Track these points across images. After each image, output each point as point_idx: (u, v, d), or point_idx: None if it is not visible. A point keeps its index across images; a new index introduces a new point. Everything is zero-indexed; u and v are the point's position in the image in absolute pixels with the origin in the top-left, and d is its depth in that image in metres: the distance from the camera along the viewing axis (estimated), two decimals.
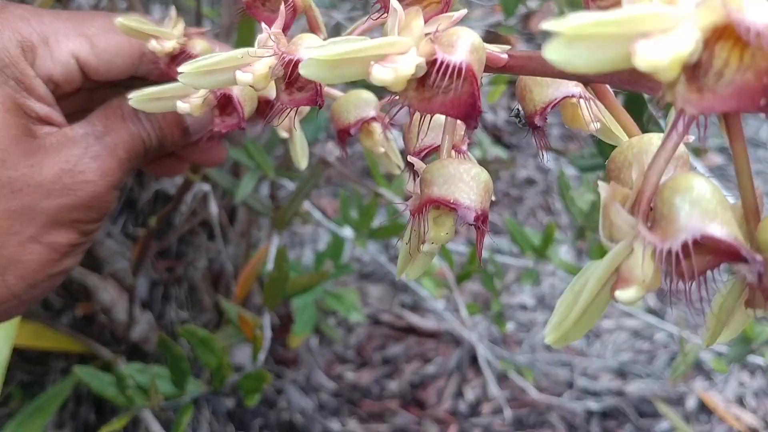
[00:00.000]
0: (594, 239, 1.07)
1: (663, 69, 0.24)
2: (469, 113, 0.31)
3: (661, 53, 0.24)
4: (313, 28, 0.43)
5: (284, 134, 0.54)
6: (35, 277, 0.50)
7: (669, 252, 0.27)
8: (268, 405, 1.21)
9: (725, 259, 0.28)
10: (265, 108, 0.48)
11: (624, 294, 0.27)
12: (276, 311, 1.17)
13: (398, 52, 0.30)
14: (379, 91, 0.53)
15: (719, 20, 0.24)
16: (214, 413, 1.14)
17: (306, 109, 0.53)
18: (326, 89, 0.50)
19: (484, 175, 0.35)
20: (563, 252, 1.36)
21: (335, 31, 0.99)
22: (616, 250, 0.28)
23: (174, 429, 0.86)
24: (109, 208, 0.52)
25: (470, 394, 1.31)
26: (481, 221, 0.34)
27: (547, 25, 0.24)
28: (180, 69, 0.36)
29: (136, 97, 0.46)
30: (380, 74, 0.29)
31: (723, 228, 0.27)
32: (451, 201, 0.34)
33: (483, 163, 1.42)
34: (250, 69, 0.35)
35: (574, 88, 0.36)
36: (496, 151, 1.58)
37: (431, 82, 0.31)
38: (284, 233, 1.28)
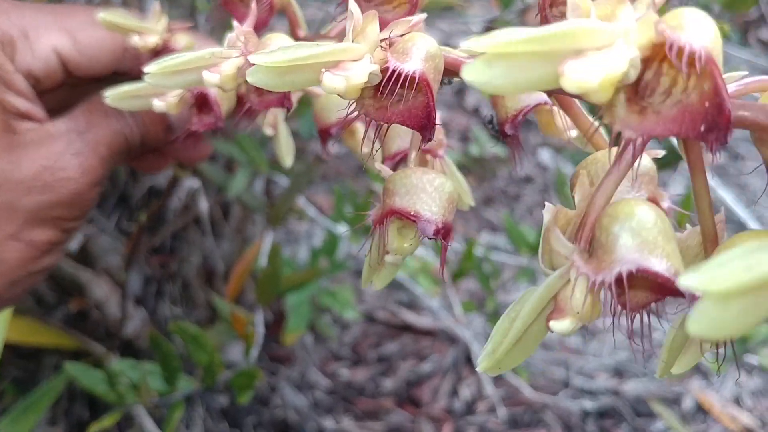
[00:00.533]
0: None
1: (593, 91, 0.22)
2: (424, 124, 0.30)
3: (591, 74, 0.22)
4: (293, 26, 0.43)
5: (269, 131, 0.53)
6: (16, 274, 0.50)
7: (603, 284, 0.25)
8: (261, 402, 1.21)
9: (665, 293, 0.26)
10: (244, 105, 0.47)
11: (558, 325, 0.26)
12: (270, 308, 1.16)
13: (351, 58, 0.29)
14: None
15: (655, 39, 0.23)
16: (207, 411, 1.13)
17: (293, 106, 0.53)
18: (309, 88, 0.49)
19: (448, 185, 0.34)
20: None
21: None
22: (552, 278, 0.27)
23: (165, 425, 0.86)
24: (90, 205, 0.52)
25: (465, 392, 1.30)
26: (443, 235, 0.33)
27: (465, 44, 0.23)
28: (146, 69, 0.35)
29: (112, 95, 0.45)
30: (331, 82, 0.28)
31: (662, 261, 0.25)
32: (412, 213, 0.32)
33: (480, 160, 1.41)
34: (217, 69, 0.34)
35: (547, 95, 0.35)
36: (494, 149, 1.57)
37: (385, 91, 0.30)
38: (279, 230, 1.27)
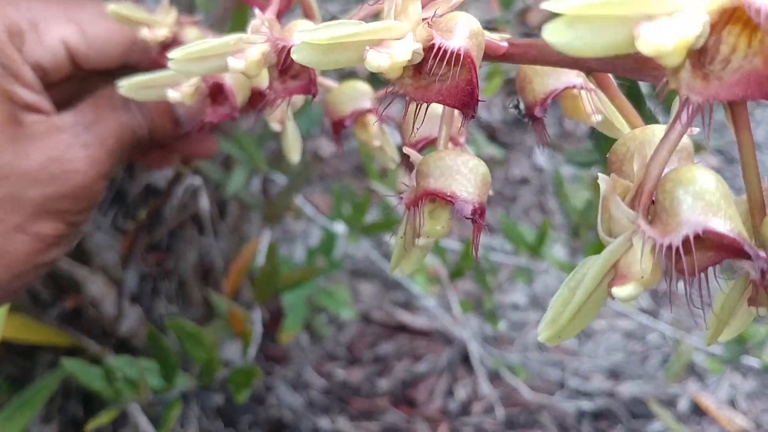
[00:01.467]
0: (588, 238, 1.06)
1: (667, 54, 0.23)
2: (467, 102, 0.30)
3: (666, 37, 0.23)
4: (308, 17, 0.43)
5: (277, 127, 0.53)
6: (20, 267, 0.49)
7: (669, 247, 0.26)
8: (257, 402, 1.20)
9: (728, 255, 0.27)
10: (257, 99, 0.47)
11: (621, 291, 0.26)
12: (267, 308, 1.16)
13: (394, 37, 0.29)
14: (375, 82, 0.52)
15: (728, 3, 0.24)
16: (202, 409, 1.13)
17: (299, 101, 0.52)
18: (321, 80, 0.49)
19: (482, 167, 0.34)
20: (557, 250, 1.35)
21: None
22: (615, 245, 0.27)
23: (162, 423, 0.85)
24: (97, 198, 0.51)
25: (461, 392, 1.30)
26: (479, 215, 0.33)
27: (547, 4, 0.23)
28: (170, 55, 0.35)
29: (126, 85, 0.45)
30: (376, 60, 0.28)
31: (726, 222, 0.26)
32: (448, 194, 0.32)
33: None
34: (243, 55, 0.34)
35: (576, 78, 0.36)
36: (491, 150, 1.57)
37: (428, 69, 0.30)
38: (276, 229, 1.27)
